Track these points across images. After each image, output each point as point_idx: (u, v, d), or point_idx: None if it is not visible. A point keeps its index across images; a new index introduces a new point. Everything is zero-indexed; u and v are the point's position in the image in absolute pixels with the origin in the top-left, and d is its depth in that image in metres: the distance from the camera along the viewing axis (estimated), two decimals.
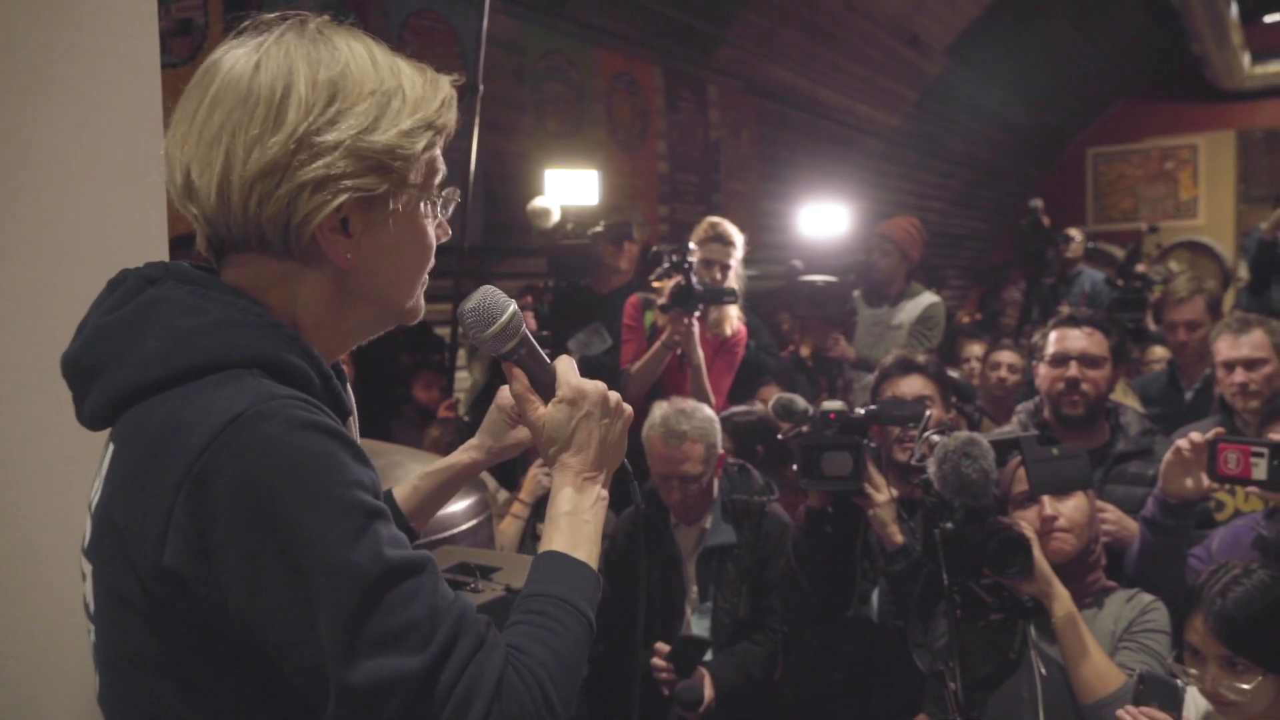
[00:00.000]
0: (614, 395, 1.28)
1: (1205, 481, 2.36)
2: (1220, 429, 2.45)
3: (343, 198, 1.04)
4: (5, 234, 1.65)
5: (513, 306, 1.26)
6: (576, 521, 1.20)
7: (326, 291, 1.10)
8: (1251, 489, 2.40)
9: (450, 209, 1.18)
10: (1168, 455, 2.42)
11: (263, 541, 0.93)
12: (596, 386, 1.26)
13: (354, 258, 1.09)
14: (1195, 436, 2.37)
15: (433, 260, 1.18)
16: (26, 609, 1.68)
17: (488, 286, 1.27)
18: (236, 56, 1.06)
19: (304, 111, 1.03)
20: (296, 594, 0.93)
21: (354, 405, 1.26)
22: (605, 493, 1.25)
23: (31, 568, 1.66)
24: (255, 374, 1.00)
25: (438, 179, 1.15)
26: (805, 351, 5.76)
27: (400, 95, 1.08)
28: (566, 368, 1.28)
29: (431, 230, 1.16)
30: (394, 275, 1.14)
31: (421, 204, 1.13)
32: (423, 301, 1.20)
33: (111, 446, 1.06)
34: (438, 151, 1.13)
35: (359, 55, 1.08)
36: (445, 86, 1.14)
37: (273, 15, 1.09)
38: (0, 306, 1.64)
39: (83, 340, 1.08)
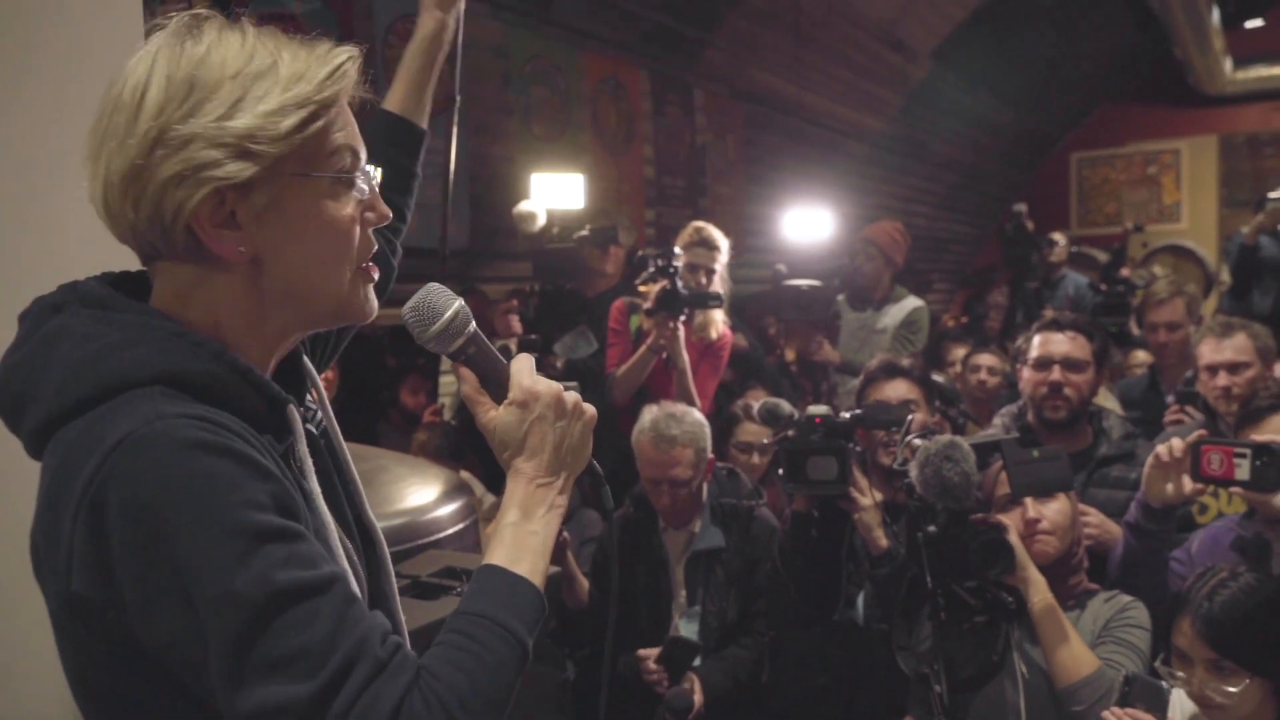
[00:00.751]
0: (571, 396, 1.21)
1: (1188, 485, 2.37)
2: (1203, 431, 2.46)
3: (205, 189, 0.99)
4: None
5: (457, 304, 1.20)
6: (522, 533, 1.14)
7: (241, 293, 1.06)
8: (1235, 490, 2.42)
9: (368, 185, 1.11)
10: (1149, 460, 2.43)
11: (150, 568, 0.92)
12: (550, 387, 1.19)
13: (249, 251, 1.04)
14: (1177, 442, 2.38)
15: (358, 242, 1.10)
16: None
17: (432, 284, 1.20)
18: (123, 68, 1.04)
19: (158, 108, 1.00)
20: (188, 620, 0.92)
21: (317, 379, 1.23)
22: (562, 500, 1.19)
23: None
24: (157, 391, 0.97)
25: (346, 157, 1.08)
26: (790, 355, 5.76)
27: (272, 74, 1.02)
28: (520, 368, 1.21)
29: (347, 210, 1.08)
30: (306, 264, 1.07)
31: (325, 184, 1.06)
32: (374, 299, 1.14)
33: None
34: (324, 124, 1.05)
35: (227, 43, 1.03)
36: (337, 59, 1.06)
37: (170, 18, 1.05)
38: None
39: None
